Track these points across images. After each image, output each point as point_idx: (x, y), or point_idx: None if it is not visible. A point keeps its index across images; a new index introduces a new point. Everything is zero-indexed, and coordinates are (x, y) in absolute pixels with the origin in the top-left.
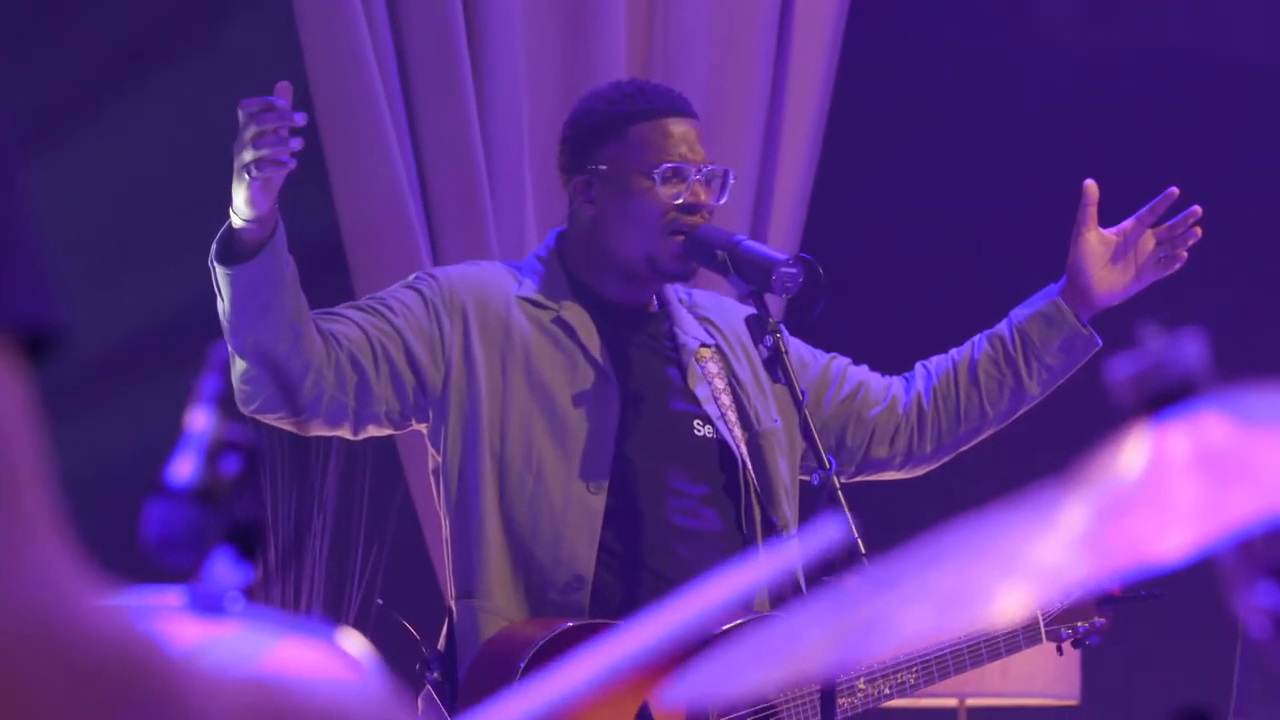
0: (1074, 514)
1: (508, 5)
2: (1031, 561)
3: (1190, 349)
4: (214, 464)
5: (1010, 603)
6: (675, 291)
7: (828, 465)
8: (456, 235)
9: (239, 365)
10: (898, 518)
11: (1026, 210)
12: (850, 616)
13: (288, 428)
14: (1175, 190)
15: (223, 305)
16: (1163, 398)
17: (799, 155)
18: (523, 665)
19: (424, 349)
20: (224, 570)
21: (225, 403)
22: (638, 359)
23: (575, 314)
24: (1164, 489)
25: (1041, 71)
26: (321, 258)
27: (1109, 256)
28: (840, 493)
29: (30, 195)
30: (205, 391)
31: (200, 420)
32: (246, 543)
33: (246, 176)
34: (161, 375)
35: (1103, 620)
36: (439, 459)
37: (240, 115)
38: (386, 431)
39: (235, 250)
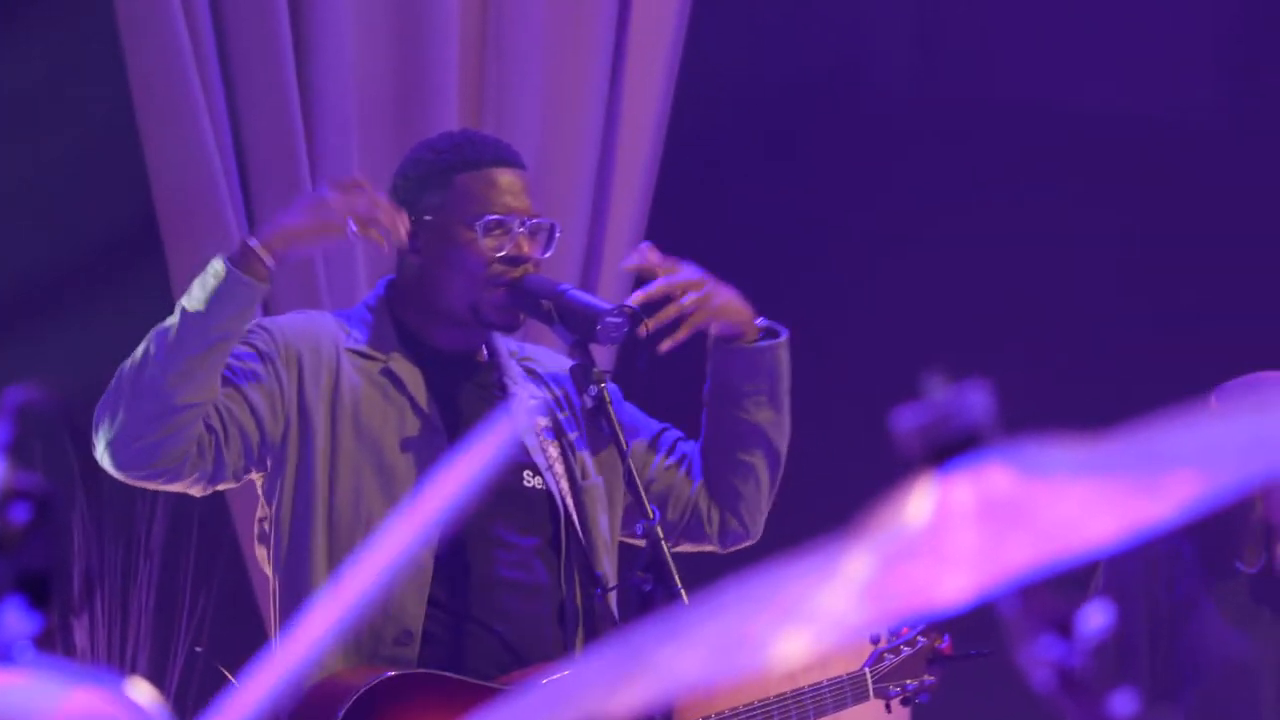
0: (858, 562)
1: (339, 36)
2: (814, 609)
3: (975, 400)
4: (3, 512)
5: (790, 649)
6: (505, 343)
7: (651, 515)
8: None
9: (145, 405)
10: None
11: (859, 240)
12: (631, 665)
13: (145, 483)
14: (646, 248)
15: (192, 314)
16: (947, 448)
17: (631, 204)
18: (341, 715)
19: (265, 404)
20: (14, 619)
21: (15, 450)
22: (467, 408)
23: (403, 366)
24: (947, 537)
25: (874, 104)
26: (136, 241)
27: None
28: (664, 543)
29: None
30: None
31: None
32: (37, 591)
33: (333, 228)
34: None
35: (931, 678)
36: (269, 510)
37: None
38: (230, 486)
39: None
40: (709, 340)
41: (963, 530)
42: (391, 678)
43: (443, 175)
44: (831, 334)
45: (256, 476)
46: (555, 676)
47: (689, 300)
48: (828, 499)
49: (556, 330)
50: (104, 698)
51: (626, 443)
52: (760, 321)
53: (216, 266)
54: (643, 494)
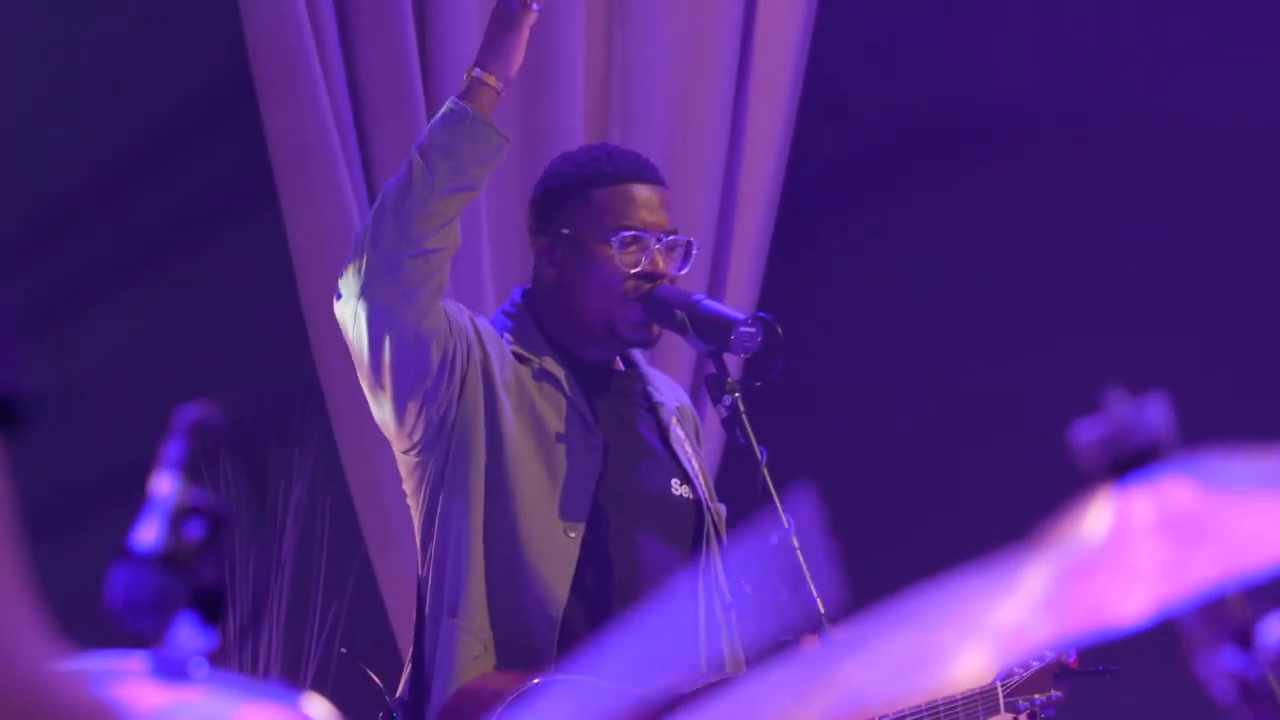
0: (1037, 577)
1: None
2: (994, 625)
3: (1154, 413)
4: (178, 529)
5: (972, 665)
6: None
7: (787, 524)
8: None
9: (407, 209)
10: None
11: (982, 276)
12: (814, 679)
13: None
14: None
15: (440, 149)
16: (1127, 462)
17: (756, 219)
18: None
19: (462, 358)
20: (188, 635)
21: (189, 468)
22: (615, 414)
23: (554, 367)
24: (1127, 552)
25: (1000, 127)
26: (273, 288)
27: None
28: (799, 553)
29: None
30: (170, 456)
31: (165, 485)
32: (210, 608)
33: (526, 9)
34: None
35: (1059, 693)
36: (426, 472)
37: None
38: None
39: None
40: None
41: (1143, 545)
42: (537, 684)
43: (580, 189)
44: (1006, 349)
45: (411, 432)
46: (734, 689)
47: None
48: (1009, 512)
49: (690, 340)
50: (280, 713)
51: (761, 450)
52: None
53: (455, 108)
54: (778, 503)
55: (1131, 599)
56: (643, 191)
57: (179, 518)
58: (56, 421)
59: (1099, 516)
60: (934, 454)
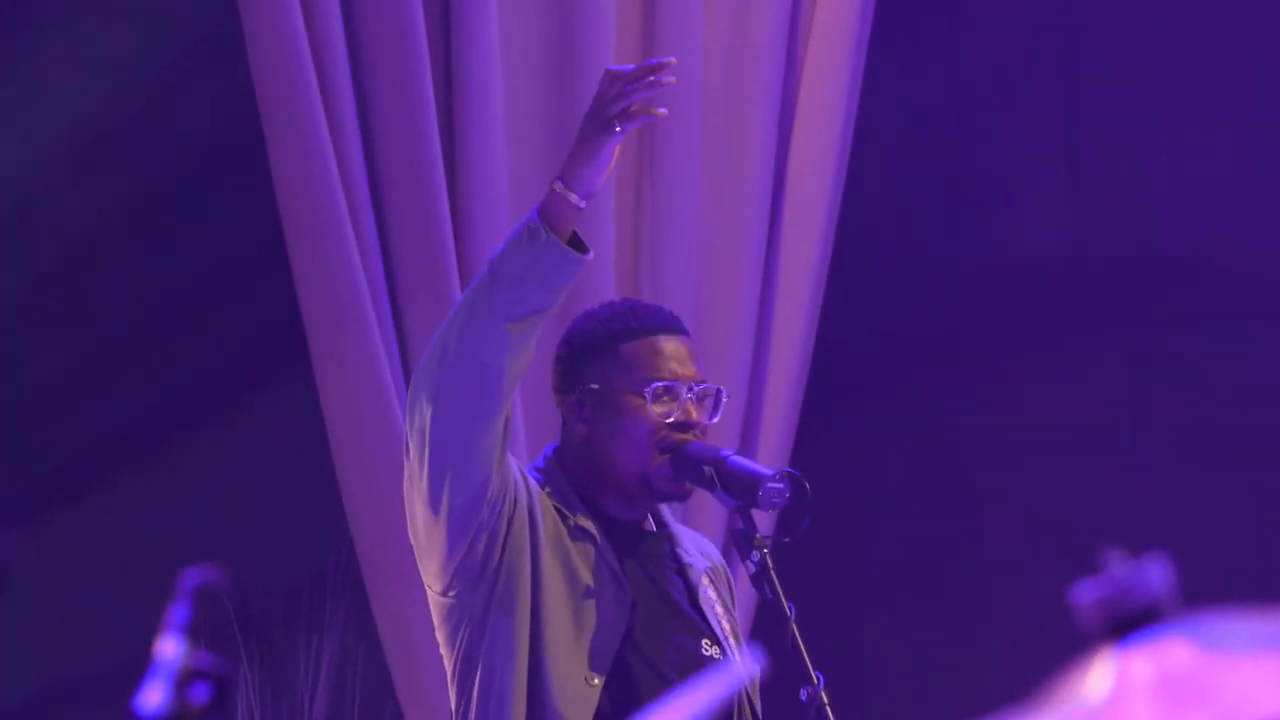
0: None
1: (493, 173)
2: None
3: (1155, 574)
4: (183, 692)
5: None
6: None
7: (816, 681)
8: None
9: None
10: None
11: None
12: None
13: (454, 454)
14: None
15: (507, 271)
16: (1127, 622)
17: (789, 368)
18: None
19: (511, 498)
20: None
21: (194, 631)
22: (645, 574)
23: (589, 525)
24: (1126, 713)
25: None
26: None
27: None
28: (829, 709)
29: None
30: (174, 620)
31: (169, 649)
32: None
33: (608, 131)
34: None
35: None
36: (465, 614)
37: (604, 81)
38: (468, 507)
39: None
40: None
41: (1141, 706)
42: None
43: (608, 344)
44: (995, 507)
45: (450, 584)
46: None
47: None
48: (1008, 672)
49: (718, 496)
50: None
51: (790, 607)
52: None
53: (532, 228)
54: (806, 660)
55: None
56: (670, 343)
57: (184, 681)
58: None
59: (1099, 676)
60: (947, 614)
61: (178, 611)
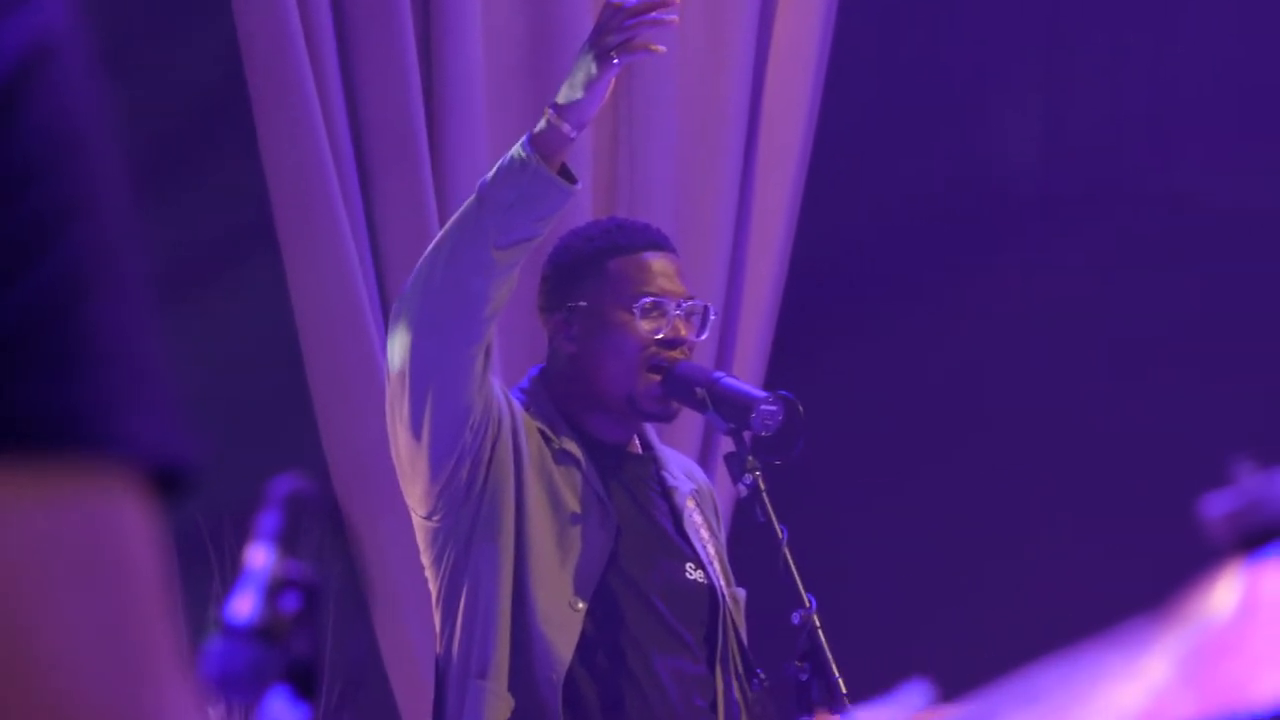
0: (1161, 657)
1: (474, 132)
2: (1121, 706)
3: None
4: (274, 601)
5: None
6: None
7: (808, 604)
8: None
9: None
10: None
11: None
12: None
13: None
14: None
15: (495, 198)
16: (1258, 536)
17: (764, 287)
18: None
19: (495, 420)
20: (282, 709)
21: (285, 539)
22: (630, 496)
23: (574, 449)
24: (1258, 630)
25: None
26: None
27: None
28: (820, 632)
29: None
30: (264, 528)
31: (259, 557)
32: (305, 681)
33: (605, 63)
34: None
35: None
36: (450, 537)
37: (605, 11)
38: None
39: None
40: None
41: (1270, 621)
42: None
43: (595, 261)
44: (969, 421)
45: (441, 497)
46: None
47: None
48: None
49: (709, 417)
50: None
51: (782, 529)
52: None
53: (522, 157)
54: (799, 582)
55: (1263, 678)
56: (658, 260)
57: (274, 590)
58: None
59: (1228, 592)
60: (929, 529)
61: (267, 519)
